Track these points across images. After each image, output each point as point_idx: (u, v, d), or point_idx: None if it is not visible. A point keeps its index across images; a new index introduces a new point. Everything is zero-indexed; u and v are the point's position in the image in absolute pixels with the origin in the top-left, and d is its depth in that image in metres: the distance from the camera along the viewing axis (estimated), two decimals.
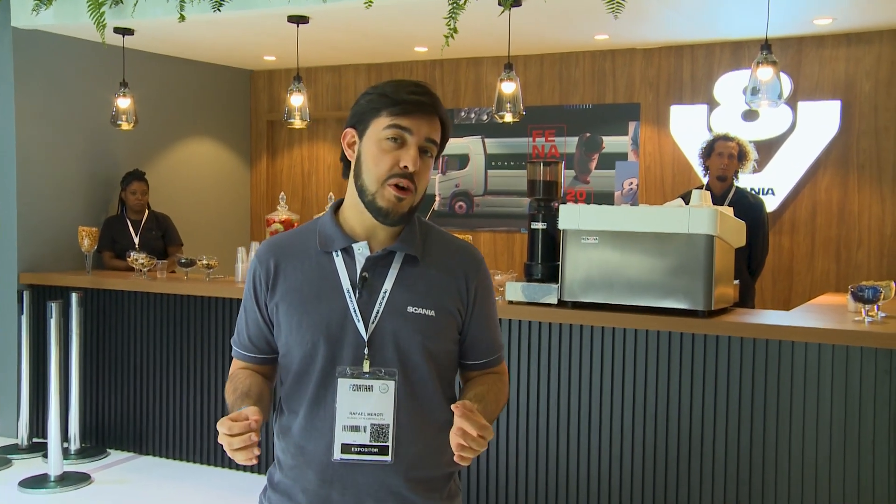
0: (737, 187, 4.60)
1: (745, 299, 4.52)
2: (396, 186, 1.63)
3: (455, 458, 1.53)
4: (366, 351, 1.66)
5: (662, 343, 3.50)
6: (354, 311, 1.67)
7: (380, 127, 1.64)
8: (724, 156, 4.53)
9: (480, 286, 1.77)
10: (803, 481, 3.28)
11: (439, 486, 1.75)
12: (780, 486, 3.32)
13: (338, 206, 1.77)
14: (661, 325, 3.46)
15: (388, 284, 1.69)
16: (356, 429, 1.64)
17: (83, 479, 4.41)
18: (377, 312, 1.68)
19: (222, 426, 1.52)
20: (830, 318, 3.52)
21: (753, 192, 5.06)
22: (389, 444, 1.64)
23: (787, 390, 3.29)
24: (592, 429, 3.63)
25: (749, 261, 4.56)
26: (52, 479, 4.33)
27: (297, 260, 1.73)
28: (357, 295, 1.68)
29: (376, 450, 1.65)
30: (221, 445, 1.55)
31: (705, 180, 4.69)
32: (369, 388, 1.65)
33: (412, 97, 1.64)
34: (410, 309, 1.68)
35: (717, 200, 4.49)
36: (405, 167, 1.63)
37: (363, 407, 1.65)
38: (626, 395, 3.57)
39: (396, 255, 1.71)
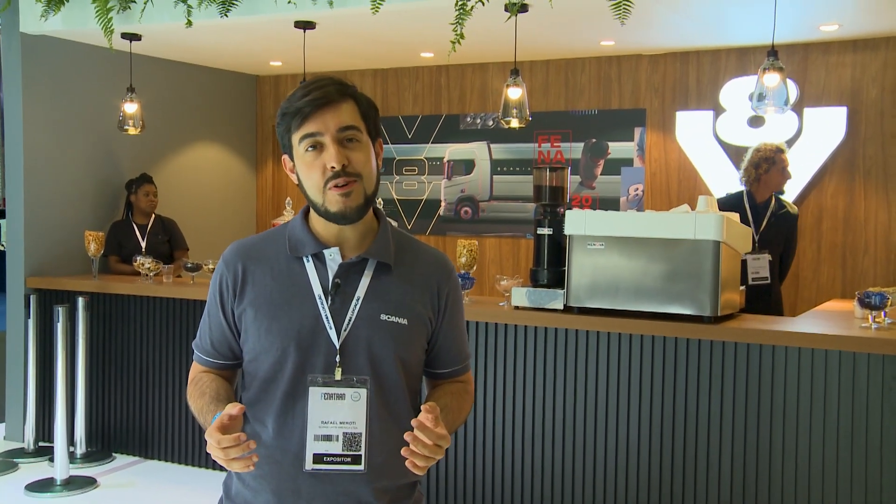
0: (777, 197, 4.60)
1: (781, 306, 4.55)
2: (336, 187, 1.61)
3: (406, 463, 1.51)
4: (337, 358, 1.64)
5: (669, 349, 3.49)
6: (326, 318, 1.65)
7: (297, 143, 1.64)
8: (787, 168, 4.51)
9: (451, 294, 1.76)
10: (810, 488, 3.27)
11: (405, 495, 1.74)
12: (787, 492, 3.31)
13: (308, 210, 1.75)
14: (668, 331, 3.46)
15: (360, 292, 1.67)
16: (328, 438, 1.61)
17: (89, 482, 4.42)
18: (350, 320, 1.65)
19: (211, 438, 1.50)
20: (837, 325, 3.52)
21: (789, 202, 5.01)
22: (362, 452, 1.62)
23: (793, 396, 3.29)
24: (598, 435, 3.63)
25: (781, 269, 4.61)
26: (59, 482, 4.34)
27: (267, 264, 1.70)
28: (329, 302, 1.65)
29: (349, 459, 1.62)
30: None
31: (743, 187, 4.57)
32: (341, 397, 1.62)
33: (305, 101, 1.61)
34: (383, 317, 1.66)
35: (761, 209, 4.49)
36: (332, 168, 1.61)
37: (335, 416, 1.61)
38: (632, 401, 3.56)
39: (369, 263, 1.69)
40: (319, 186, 1.62)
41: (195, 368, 1.80)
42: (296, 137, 1.64)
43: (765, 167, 4.52)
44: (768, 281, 4.40)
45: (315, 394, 1.62)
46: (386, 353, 1.66)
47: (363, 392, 1.63)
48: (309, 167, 1.63)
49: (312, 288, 1.67)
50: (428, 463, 1.52)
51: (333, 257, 1.68)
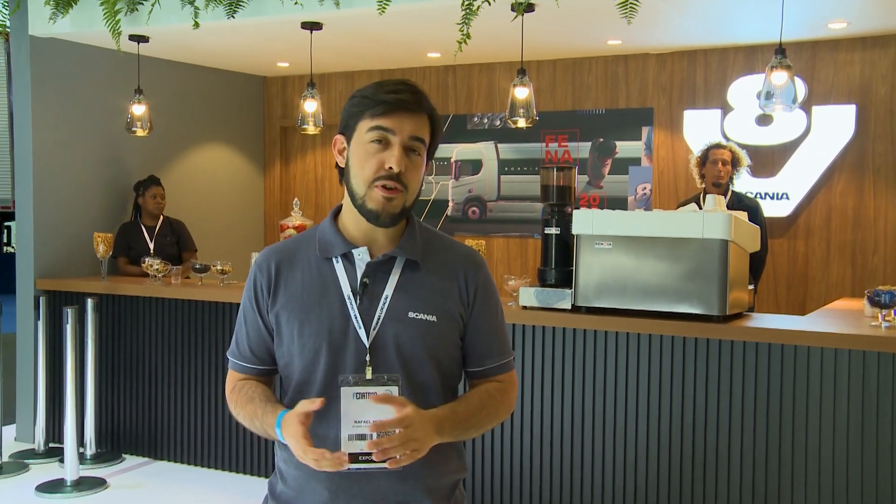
0: (733, 191, 4.80)
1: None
2: (384, 188, 1.62)
3: (375, 457, 1.53)
4: (367, 358, 1.64)
5: (677, 348, 3.48)
6: (356, 318, 1.65)
7: (363, 130, 1.63)
8: (717, 163, 4.74)
9: (481, 288, 1.74)
10: (820, 487, 3.25)
11: (446, 494, 1.73)
12: (797, 491, 3.29)
13: (337, 211, 1.76)
14: (676, 331, 3.45)
15: (388, 290, 1.67)
16: (362, 437, 1.60)
17: (99, 483, 4.44)
18: (378, 318, 1.66)
19: (300, 451, 1.55)
20: (847, 323, 3.50)
21: (750, 195, 5.12)
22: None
23: (803, 395, 3.28)
24: (606, 434, 3.62)
25: (752, 264, 4.62)
26: (69, 483, 4.36)
27: (298, 267, 1.71)
28: (358, 301, 1.66)
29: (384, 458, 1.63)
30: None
31: (702, 188, 4.82)
32: (380, 393, 1.61)
33: (392, 96, 1.61)
34: (411, 314, 1.67)
35: None
36: (390, 168, 1.61)
37: (368, 415, 1.61)
38: (640, 401, 3.56)
39: (397, 261, 1.69)
40: (368, 180, 1.63)
41: (233, 377, 1.79)
42: (366, 124, 1.63)
43: (700, 161, 4.81)
44: None
45: (347, 394, 1.62)
46: (415, 350, 1.66)
47: (394, 390, 1.62)
48: (367, 157, 1.63)
49: (342, 288, 1.67)
50: (401, 452, 1.53)
51: (362, 256, 1.68)
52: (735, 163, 4.75)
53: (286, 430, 1.57)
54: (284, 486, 1.73)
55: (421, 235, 1.74)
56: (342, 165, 1.69)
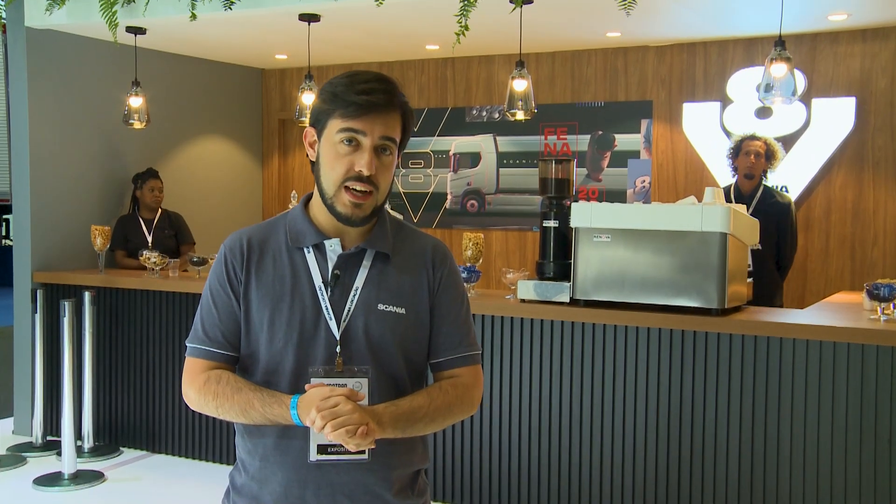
0: (765, 186, 4.66)
1: (774, 298, 4.53)
2: (353, 191, 1.61)
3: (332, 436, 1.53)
4: (338, 349, 1.65)
5: (675, 341, 3.48)
6: (327, 309, 1.66)
7: (333, 129, 1.62)
8: (750, 154, 4.61)
9: (445, 277, 1.74)
10: (818, 480, 3.25)
11: (410, 483, 1.75)
12: (795, 484, 3.29)
13: (307, 200, 1.75)
14: (674, 324, 3.44)
15: (359, 282, 1.68)
16: None
17: (97, 477, 4.43)
18: (349, 310, 1.66)
19: (344, 437, 1.54)
20: (845, 317, 3.50)
21: (783, 190, 5.07)
22: None
23: (801, 389, 3.27)
24: (605, 427, 3.62)
25: (778, 259, 4.59)
26: (66, 476, 4.35)
27: (268, 253, 1.70)
28: (329, 293, 1.66)
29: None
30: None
31: (734, 179, 4.74)
32: (342, 387, 1.61)
33: (363, 98, 1.59)
34: (381, 307, 1.67)
35: (746, 199, 4.56)
36: (359, 171, 1.60)
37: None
38: (638, 394, 3.55)
39: (367, 253, 1.70)
40: (338, 181, 1.62)
41: (199, 367, 1.70)
42: (336, 123, 1.62)
43: (734, 152, 4.69)
44: (750, 268, 4.40)
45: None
46: (385, 342, 1.67)
47: (364, 382, 1.64)
48: (337, 158, 1.62)
49: (313, 279, 1.67)
50: (349, 429, 1.52)
51: (334, 248, 1.68)
52: (770, 156, 4.60)
53: (306, 406, 1.56)
54: (247, 477, 1.72)
55: (391, 227, 1.74)
56: (312, 159, 1.68)
